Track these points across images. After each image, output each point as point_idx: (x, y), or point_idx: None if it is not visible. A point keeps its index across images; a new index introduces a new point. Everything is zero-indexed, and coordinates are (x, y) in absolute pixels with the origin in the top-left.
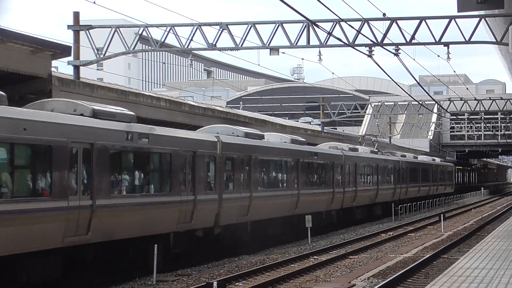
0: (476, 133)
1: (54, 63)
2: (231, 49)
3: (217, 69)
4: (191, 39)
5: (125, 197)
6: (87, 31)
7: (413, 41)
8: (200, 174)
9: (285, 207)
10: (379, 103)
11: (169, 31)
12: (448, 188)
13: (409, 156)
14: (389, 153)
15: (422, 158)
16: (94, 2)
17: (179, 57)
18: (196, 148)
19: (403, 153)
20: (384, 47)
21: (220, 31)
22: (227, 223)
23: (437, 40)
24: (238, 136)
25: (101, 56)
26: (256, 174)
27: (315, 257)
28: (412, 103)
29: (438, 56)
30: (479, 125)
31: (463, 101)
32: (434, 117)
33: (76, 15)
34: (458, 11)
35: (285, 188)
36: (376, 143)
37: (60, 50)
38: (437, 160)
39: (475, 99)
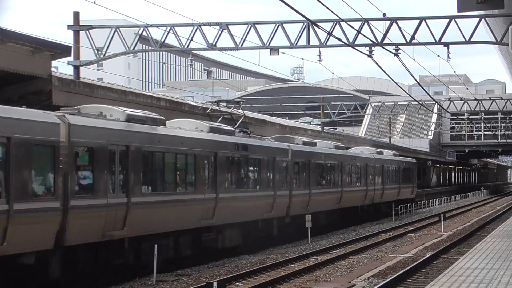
0: (476, 133)
1: (54, 63)
2: (231, 49)
3: (217, 69)
4: (191, 39)
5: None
6: (87, 31)
7: (413, 41)
8: None
9: None
10: (379, 103)
11: (169, 31)
12: (405, 192)
13: (323, 145)
14: (273, 139)
15: (360, 149)
16: (94, 2)
17: (179, 57)
18: None
19: (311, 139)
20: (384, 47)
21: (220, 31)
22: None
23: (437, 40)
24: None
25: (101, 56)
26: None
27: (315, 257)
28: (412, 103)
29: (438, 56)
30: (479, 125)
31: (463, 101)
32: (434, 117)
33: (76, 15)
34: (458, 11)
35: None
36: (241, 118)
37: (60, 50)
38: (389, 153)
39: (475, 99)
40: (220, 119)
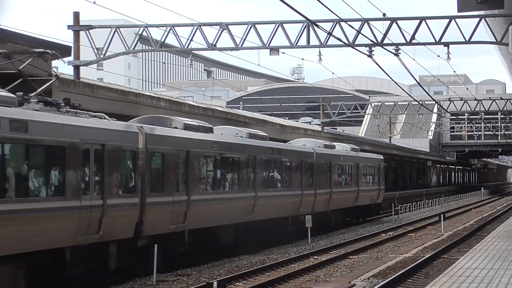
0: (476, 133)
1: (54, 63)
2: (231, 49)
3: (217, 69)
4: (191, 39)
5: None
6: (87, 31)
7: (413, 41)
8: None
9: None
10: (379, 103)
11: (169, 31)
12: (366, 197)
13: (233, 133)
14: (135, 121)
15: (302, 141)
16: (94, 2)
17: (179, 57)
18: None
19: (204, 123)
20: (384, 47)
21: (220, 31)
22: None
23: (437, 40)
24: None
25: (101, 56)
26: None
27: (315, 257)
28: (412, 103)
29: (438, 56)
30: (479, 125)
31: (463, 101)
32: (434, 117)
33: (76, 15)
34: (458, 11)
35: None
36: (51, 81)
37: (60, 50)
38: (345, 147)
39: (475, 99)
40: (19, 81)
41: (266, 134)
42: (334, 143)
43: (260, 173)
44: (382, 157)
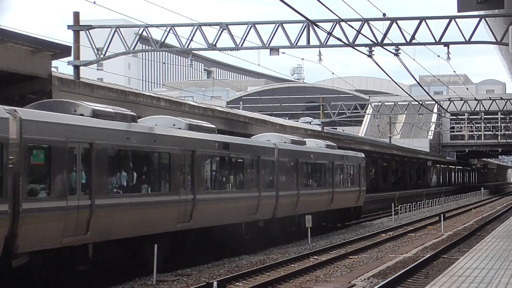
0: (476, 133)
1: (54, 63)
2: (231, 49)
3: (217, 69)
4: (191, 39)
5: None
6: (87, 31)
7: (413, 41)
8: None
9: None
10: (379, 103)
11: (169, 31)
12: (343, 199)
13: (168, 123)
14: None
15: (267, 136)
16: (94, 2)
17: (179, 57)
18: None
19: (119, 112)
20: (384, 47)
21: (220, 31)
22: None
23: (437, 40)
24: None
25: (101, 56)
26: None
27: (315, 257)
28: (412, 103)
29: (438, 56)
30: (479, 125)
31: (463, 101)
32: (434, 117)
33: (76, 15)
34: (458, 11)
35: None
36: None
37: (60, 50)
38: (319, 143)
39: (475, 99)
40: None
41: (214, 126)
42: (305, 139)
43: (201, 172)
44: (363, 155)
